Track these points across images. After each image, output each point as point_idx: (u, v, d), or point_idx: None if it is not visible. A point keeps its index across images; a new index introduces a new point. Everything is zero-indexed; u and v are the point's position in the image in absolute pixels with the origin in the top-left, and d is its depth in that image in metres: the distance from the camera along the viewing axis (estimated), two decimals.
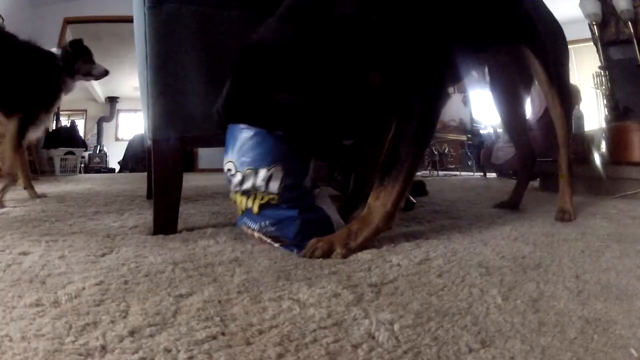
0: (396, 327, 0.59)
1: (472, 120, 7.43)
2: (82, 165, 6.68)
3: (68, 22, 7.11)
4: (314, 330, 0.58)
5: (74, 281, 0.77)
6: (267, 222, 1.05)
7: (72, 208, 1.90)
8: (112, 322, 0.59)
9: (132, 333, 0.56)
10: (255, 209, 1.05)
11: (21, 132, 2.24)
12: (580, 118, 4.01)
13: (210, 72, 1.25)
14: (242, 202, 1.07)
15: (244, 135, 1.04)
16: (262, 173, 1.02)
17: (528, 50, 1.58)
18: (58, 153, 6.19)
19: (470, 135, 7.39)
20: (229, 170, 1.08)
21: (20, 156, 2.34)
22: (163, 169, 1.24)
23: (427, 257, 0.97)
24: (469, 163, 7.91)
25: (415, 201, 1.85)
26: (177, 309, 0.65)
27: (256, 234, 1.08)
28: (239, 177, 1.06)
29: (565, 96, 1.67)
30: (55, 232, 1.27)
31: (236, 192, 1.08)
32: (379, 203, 1.05)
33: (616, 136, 2.93)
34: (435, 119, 1.11)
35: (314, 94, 1.00)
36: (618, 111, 3.87)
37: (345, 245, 0.99)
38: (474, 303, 0.69)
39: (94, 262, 0.92)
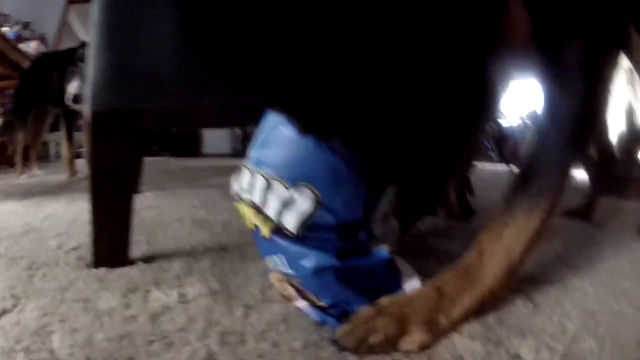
0: None
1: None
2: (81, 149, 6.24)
3: (72, 1, 6.50)
4: None
5: None
6: (282, 259, 0.60)
7: (25, 208, 1.52)
8: None
9: None
10: (266, 231, 0.61)
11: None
12: (632, 114, 3.51)
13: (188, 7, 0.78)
14: (249, 214, 0.64)
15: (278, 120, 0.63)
16: (279, 189, 0.59)
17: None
18: (53, 138, 5.73)
19: (493, 125, 6.87)
20: (244, 166, 0.67)
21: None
22: (105, 163, 0.76)
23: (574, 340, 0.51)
24: (492, 155, 7.40)
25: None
26: None
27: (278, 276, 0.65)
28: (247, 177, 0.64)
29: None
30: None
31: (240, 199, 0.66)
32: (500, 247, 0.58)
33: None
34: (605, 100, 0.67)
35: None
36: None
37: (430, 324, 0.51)
38: None
39: None
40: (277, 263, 0.60)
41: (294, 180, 0.58)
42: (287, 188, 0.58)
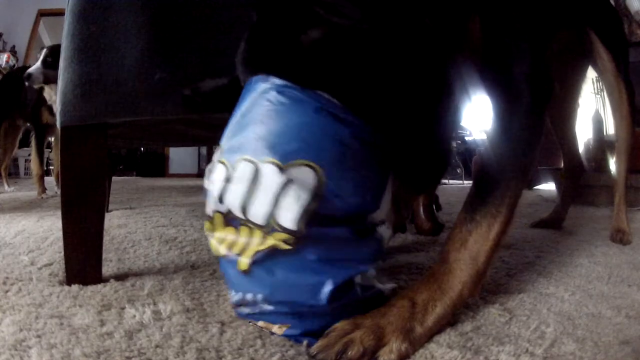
0: None
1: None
2: (49, 167, 6.09)
3: (42, 14, 6.68)
4: None
5: None
6: (261, 296, 0.52)
7: None
8: None
9: None
10: (244, 263, 0.50)
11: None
12: (600, 122, 3.64)
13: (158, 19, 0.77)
14: (220, 240, 0.53)
15: (258, 89, 0.51)
16: (269, 172, 0.47)
17: (593, 33, 1.26)
18: (22, 154, 5.56)
19: (459, 142, 6.98)
20: (217, 163, 0.53)
21: None
22: (76, 178, 0.74)
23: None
24: (458, 171, 7.49)
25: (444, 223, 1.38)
26: None
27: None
28: (220, 173, 0.51)
29: (631, 91, 1.33)
30: None
31: (212, 214, 0.53)
32: (465, 255, 0.59)
33: (635, 142, 2.61)
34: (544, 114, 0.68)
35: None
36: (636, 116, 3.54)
37: (406, 334, 0.51)
38: None
39: None
40: (249, 298, 0.53)
41: (289, 155, 0.46)
42: (281, 168, 0.46)
